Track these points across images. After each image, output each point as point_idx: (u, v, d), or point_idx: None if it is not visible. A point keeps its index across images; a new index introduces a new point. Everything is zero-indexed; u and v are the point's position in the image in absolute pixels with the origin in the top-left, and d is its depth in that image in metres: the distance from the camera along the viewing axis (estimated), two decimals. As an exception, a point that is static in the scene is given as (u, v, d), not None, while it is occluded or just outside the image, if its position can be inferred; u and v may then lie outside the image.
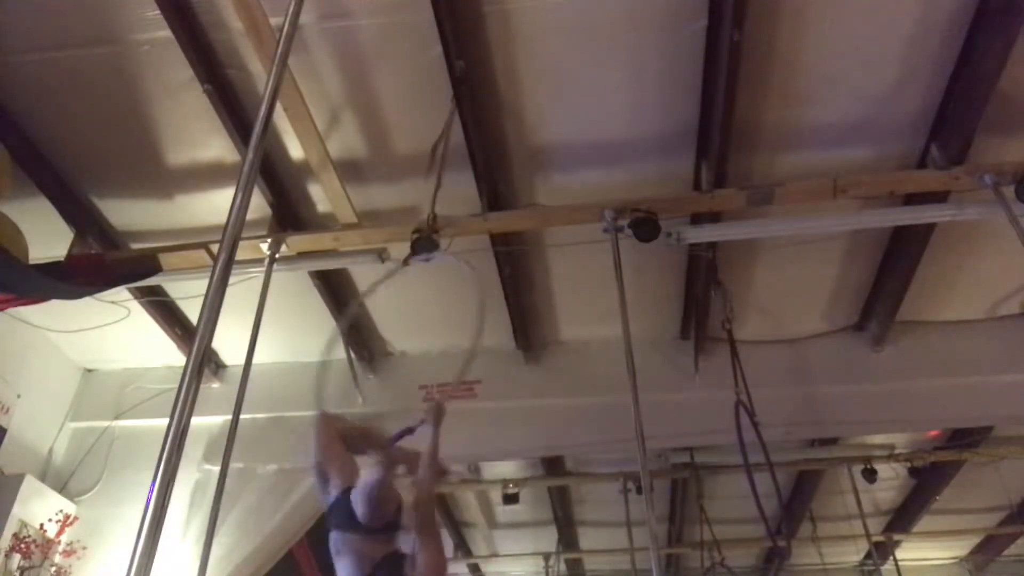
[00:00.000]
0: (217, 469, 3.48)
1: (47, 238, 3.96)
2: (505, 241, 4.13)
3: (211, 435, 4.83)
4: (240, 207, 1.54)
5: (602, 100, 3.56)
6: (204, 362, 1.39)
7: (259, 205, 3.93)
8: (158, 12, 3.17)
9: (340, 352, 4.90)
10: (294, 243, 3.82)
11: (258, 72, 3.43)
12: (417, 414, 2.39)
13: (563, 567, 8.30)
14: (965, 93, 3.33)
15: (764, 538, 6.98)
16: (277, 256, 3.75)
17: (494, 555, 8.18)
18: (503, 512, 7.23)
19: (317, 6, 3.19)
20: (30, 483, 4.45)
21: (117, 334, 4.85)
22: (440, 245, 3.48)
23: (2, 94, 3.61)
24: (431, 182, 3.85)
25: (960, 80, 3.33)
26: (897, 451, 6.16)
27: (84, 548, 4.58)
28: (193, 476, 4.78)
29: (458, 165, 3.59)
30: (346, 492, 2.18)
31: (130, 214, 4.20)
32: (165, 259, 3.90)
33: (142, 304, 4.64)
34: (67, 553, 4.52)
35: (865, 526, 6.36)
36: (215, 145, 3.78)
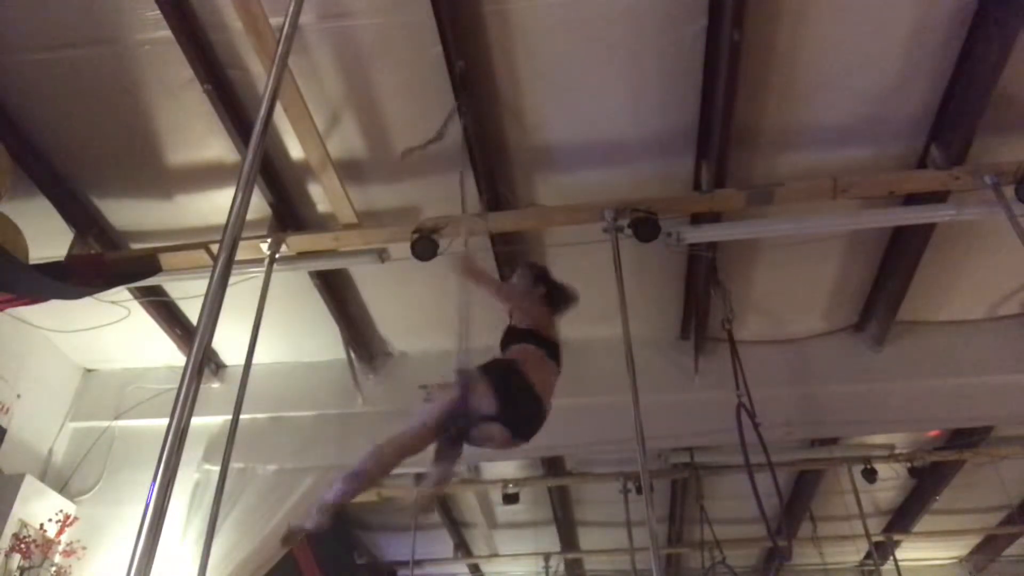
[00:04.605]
0: (217, 469, 3.48)
1: (47, 238, 3.96)
2: (505, 241, 4.13)
3: (211, 435, 4.82)
4: (240, 207, 1.54)
5: (602, 100, 3.56)
6: (204, 362, 1.39)
7: (259, 205, 3.93)
8: (158, 12, 3.17)
9: (340, 352, 4.90)
10: (294, 243, 3.82)
11: (258, 72, 3.43)
12: None
13: (563, 567, 8.30)
14: (965, 93, 3.33)
15: (764, 538, 6.97)
16: (277, 256, 3.75)
17: (494, 555, 8.18)
18: (503, 512, 7.23)
19: (317, 6, 3.19)
20: (30, 483, 4.45)
21: (117, 334, 4.85)
22: (440, 245, 3.49)
23: (2, 94, 3.61)
24: (432, 182, 3.87)
25: (960, 80, 3.33)
26: (897, 451, 6.16)
27: (84, 548, 4.57)
28: (193, 476, 4.78)
29: (458, 165, 3.59)
30: None
31: (130, 214, 4.20)
32: (165, 259, 3.91)
33: (142, 304, 4.64)
34: (67, 553, 4.51)
35: (865, 526, 6.36)
36: (215, 145, 3.78)
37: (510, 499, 6.51)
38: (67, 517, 4.59)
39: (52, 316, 4.67)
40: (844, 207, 3.78)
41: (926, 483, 6.65)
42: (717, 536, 6.09)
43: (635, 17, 3.23)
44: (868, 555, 7.43)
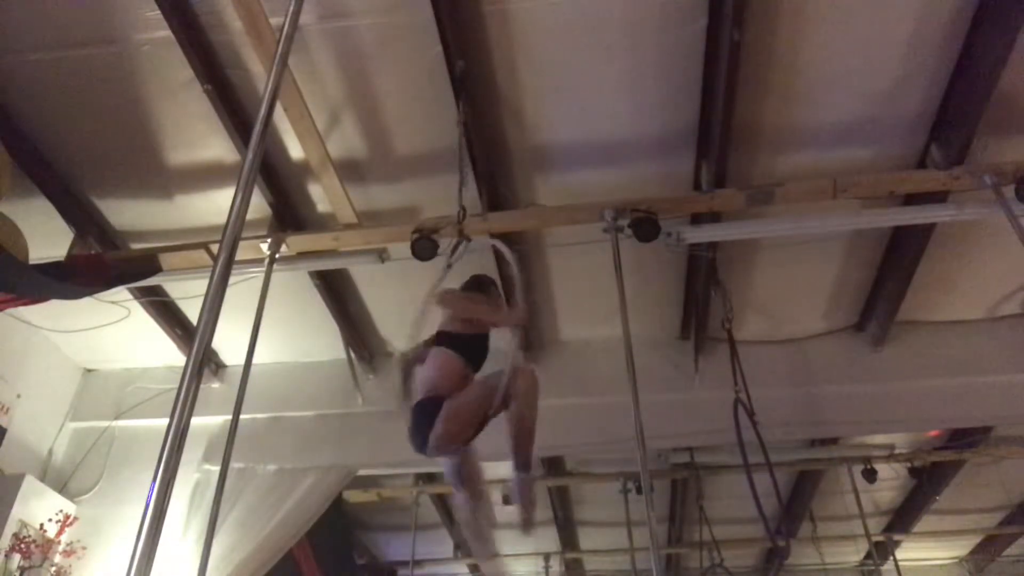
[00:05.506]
0: (217, 469, 3.48)
1: (47, 238, 3.96)
2: (505, 241, 4.12)
3: (211, 435, 4.83)
4: (240, 207, 1.54)
5: (602, 100, 3.56)
6: (204, 362, 1.39)
7: (259, 205, 3.94)
8: (158, 12, 3.18)
9: (340, 352, 4.90)
10: (294, 243, 3.82)
11: (258, 72, 3.43)
12: None
13: (563, 567, 8.30)
14: (965, 93, 3.33)
15: (764, 538, 6.97)
16: (277, 256, 3.75)
17: (494, 555, 8.17)
18: (503, 512, 7.21)
19: (317, 6, 3.19)
20: (30, 483, 4.45)
21: (117, 334, 4.85)
22: (439, 246, 3.49)
23: (2, 94, 3.61)
24: (432, 182, 3.88)
25: (960, 80, 3.33)
26: (897, 451, 6.15)
27: (84, 548, 4.57)
28: (193, 476, 4.78)
29: (457, 165, 3.59)
30: None
31: (130, 214, 4.20)
32: (165, 259, 3.91)
33: (142, 304, 4.65)
34: (67, 553, 4.51)
35: (865, 526, 6.35)
36: (215, 145, 3.78)
37: (510, 499, 6.50)
38: (67, 517, 4.59)
39: (52, 316, 4.67)
40: (844, 207, 3.78)
41: (926, 483, 6.65)
42: (717, 536, 6.09)
43: (635, 17, 3.23)
44: (868, 555, 7.42)
